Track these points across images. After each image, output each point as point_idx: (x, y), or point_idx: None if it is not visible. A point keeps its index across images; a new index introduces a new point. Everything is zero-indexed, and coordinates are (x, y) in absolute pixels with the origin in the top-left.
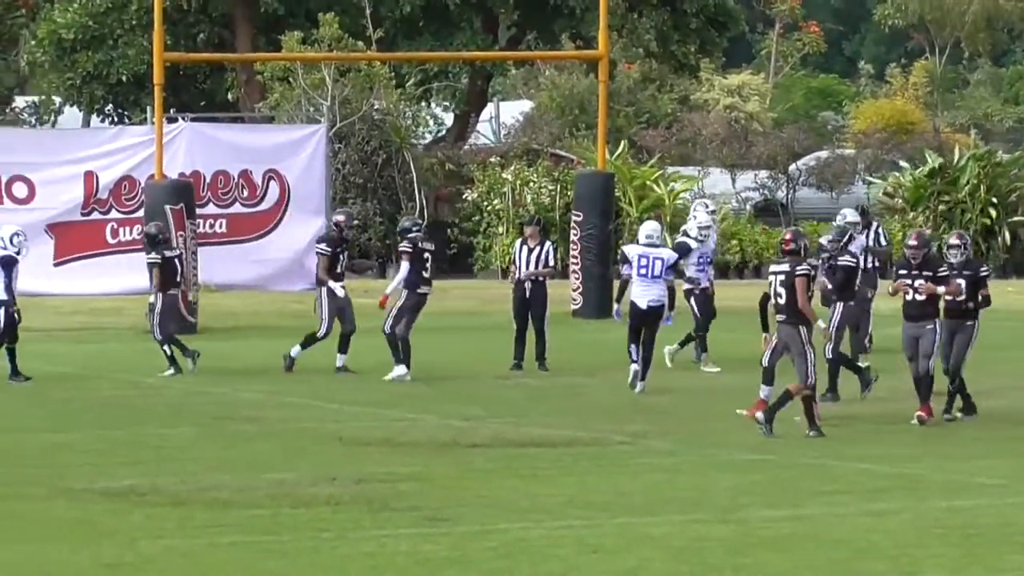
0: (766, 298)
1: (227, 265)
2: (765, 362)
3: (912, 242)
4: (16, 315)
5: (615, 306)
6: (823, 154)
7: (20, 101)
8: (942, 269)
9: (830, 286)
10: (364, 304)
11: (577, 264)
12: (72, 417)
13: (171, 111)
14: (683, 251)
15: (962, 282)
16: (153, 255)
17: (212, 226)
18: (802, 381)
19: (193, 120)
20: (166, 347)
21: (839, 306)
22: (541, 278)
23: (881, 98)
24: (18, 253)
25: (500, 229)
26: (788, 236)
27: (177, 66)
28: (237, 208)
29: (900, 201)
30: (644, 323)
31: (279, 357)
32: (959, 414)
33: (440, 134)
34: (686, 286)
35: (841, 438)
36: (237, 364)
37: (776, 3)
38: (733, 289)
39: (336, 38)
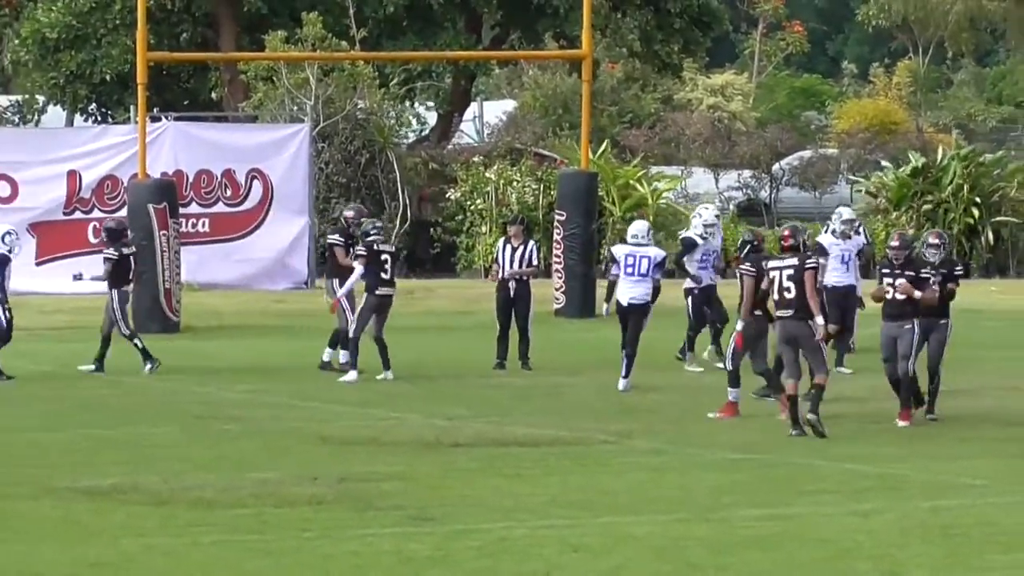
0: (764, 295)
1: (210, 264)
2: (729, 365)
3: (894, 243)
4: (8, 313)
5: (604, 305)
6: (806, 154)
7: (3, 100)
8: (925, 270)
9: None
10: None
11: (560, 263)
12: (55, 416)
13: (154, 110)
14: (689, 246)
15: (937, 288)
16: (111, 251)
17: (195, 225)
18: (822, 371)
19: (176, 119)
20: (136, 341)
21: None
22: (525, 277)
23: (864, 98)
24: (10, 252)
25: (483, 228)
26: (787, 232)
27: (160, 65)
28: (220, 207)
29: (883, 201)
30: (628, 320)
31: (263, 356)
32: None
33: (423, 134)
34: (687, 284)
35: (826, 439)
36: (221, 363)
37: (759, 3)
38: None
39: (320, 38)
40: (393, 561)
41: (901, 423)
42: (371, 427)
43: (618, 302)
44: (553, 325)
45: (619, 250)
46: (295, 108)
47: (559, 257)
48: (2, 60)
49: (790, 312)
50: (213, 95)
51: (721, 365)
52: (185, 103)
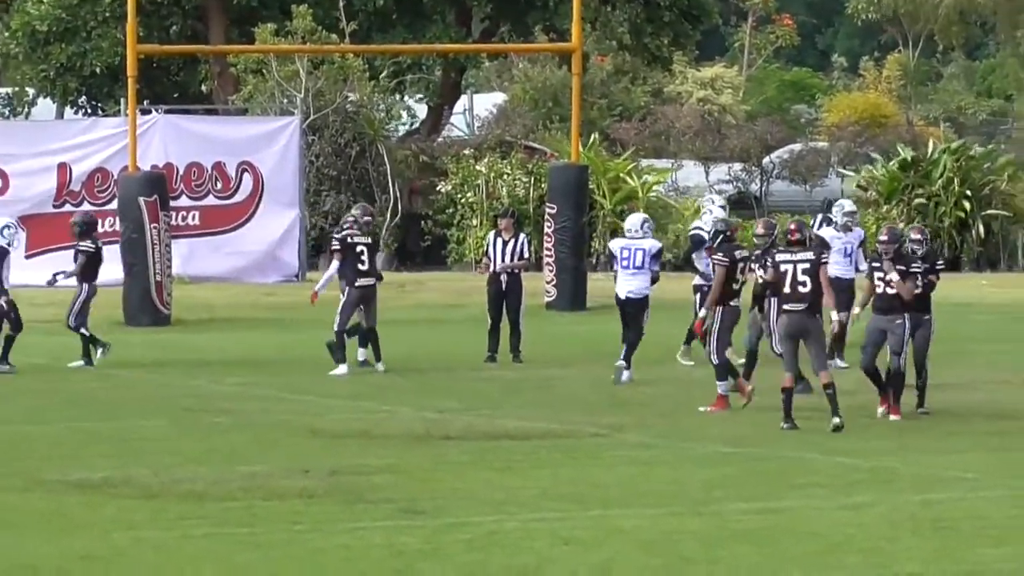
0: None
1: (201, 257)
2: (715, 359)
3: (883, 237)
4: (5, 305)
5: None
6: (796, 147)
7: None
8: (915, 264)
9: (767, 279)
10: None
11: (551, 256)
12: (46, 409)
13: (144, 103)
14: (697, 243)
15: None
16: (87, 244)
17: (185, 218)
18: (825, 368)
19: (166, 112)
20: (83, 330)
21: (774, 300)
22: (516, 270)
23: (854, 91)
24: (9, 245)
25: (474, 221)
26: (793, 227)
27: (150, 58)
28: (210, 200)
29: (874, 194)
30: (626, 313)
31: (253, 349)
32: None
33: (414, 126)
34: (697, 280)
35: (816, 431)
36: (211, 356)
37: None
38: None
39: (309, 30)
40: (384, 554)
41: (893, 417)
42: (362, 420)
43: (616, 296)
44: (544, 318)
45: (615, 244)
46: (285, 101)
47: (550, 250)
48: None
49: (803, 306)
50: (203, 88)
51: (686, 363)
52: (175, 96)
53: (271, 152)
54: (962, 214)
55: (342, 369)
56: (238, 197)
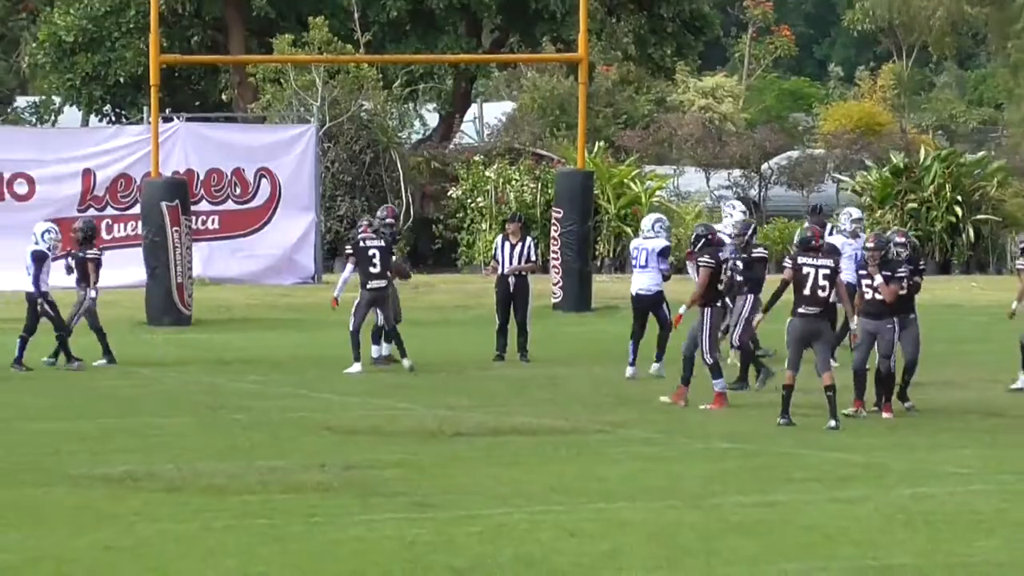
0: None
1: (220, 260)
2: (708, 359)
3: (870, 244)
4: (42, 306)
5: None
6: (794, 154)
7: (21, 101)
8: (901, 270)
9: (739, 278)
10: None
11: (557, 259)
12: (71, 406)
13: (166, 111)
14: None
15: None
16: (95, 251)
17: (205, 222)
18: (829, 369)
19: (188, 120)
20: (66, 337)
21: (750, 298)
22: (524, 273)
23: (850, 100)
24: (50, 249)
25: (484, 225)
26: (814, 232)
27: (172, 68)
28: (230, 205)
29: (868, 199)
30: (639, 311)
31: (271, 348)
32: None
33: (426, 134)
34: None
35: (811, 427)
36: (230, 355)
37: (749, 8)
38: None
39: (326, 41)
40: (396, 545)
41: (885, 415)
42: (375, 417)
43: (630, 292)
44: (551, 319)
45: (632, 243)
46: (302, 109)
47: (556, 253)
48: (20, 62)
49: (818, 310)
50: (223, 96)
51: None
52: (196, 104)
53: (288, 159)
54: (953, 219)
55: (356, 367)
56: (256, 202)
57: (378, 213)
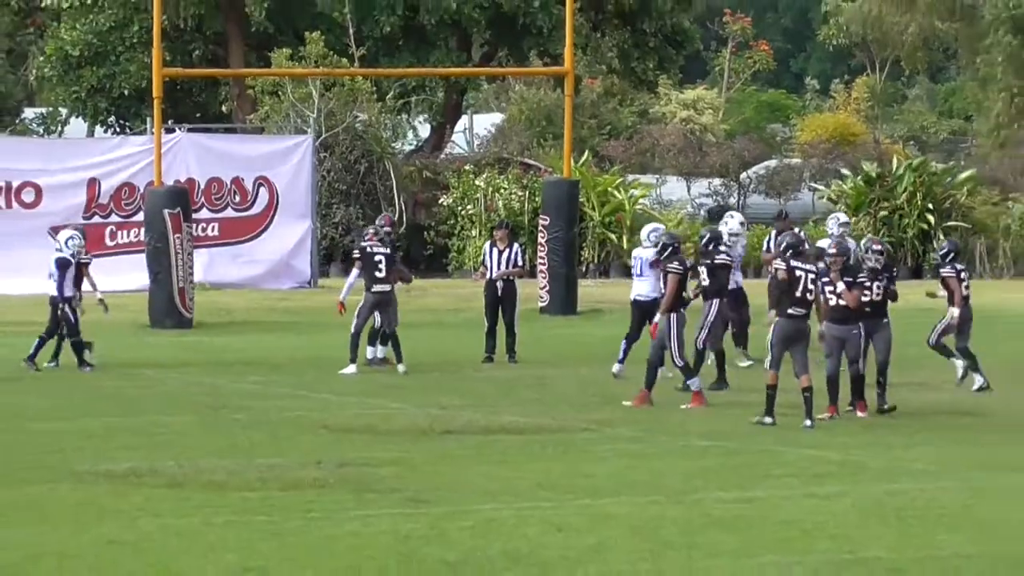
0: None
1: (220, 265)
2: (678, 361)
3: (832, 251)
4: (63, 310)
5: None
6: (772, 163)
7: (29, 112)
8: (861, 276)
9: (705, 284)
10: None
11: (544, 264)
12: (76, 406)
13: (169, 122)
14: None
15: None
16: (88, 256)
17: (206, 229)
18: (807, 371)
19: (189, 131)
20: (43, 340)
21: (714, 303)
22: (511, 277)
23: (825, 112)
24: (74, 256)
25: (473, 232)
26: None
27: (175, 81)
28: (229, 212)
29: (843, 207)
30: (637, 315)
31: (269, 350)
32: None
33: (418, 144)
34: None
35: (788, 426)
36: (231, 357)
37: (729, 23)
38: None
39: (322, 55)
40: (391, 540)
41: (860, 414)
42: (370, 416)
43: (630, 298)
44: (538, 322)
45: (633, 252)
46: (299, 120)
47: (543, 259)
48: (28, 75)
49: (804, 311)
50: (223, 108)
51: (744, 364)
52: (197, 116)
53: (286, 168)
54: (925, 225)
55: (351, 369)
56: (255, 210)
57: (377, 222)
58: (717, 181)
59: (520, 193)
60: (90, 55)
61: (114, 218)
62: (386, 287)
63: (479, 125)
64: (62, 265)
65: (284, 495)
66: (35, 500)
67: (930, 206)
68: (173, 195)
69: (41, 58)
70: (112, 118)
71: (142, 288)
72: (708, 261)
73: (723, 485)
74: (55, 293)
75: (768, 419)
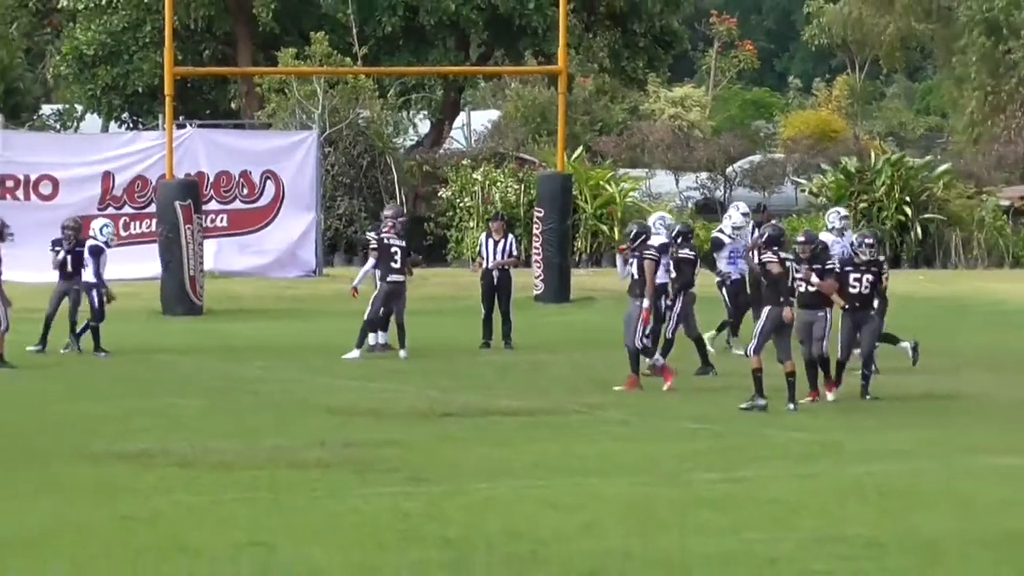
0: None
1: (229, 255)
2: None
3: (801, 239)
4: (107, 296)
5: None
6: (756, 158)
7: (46, 109)
8: (829, 263)
9: (672, 276)
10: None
11: (539, 255)
12: (92, 390)
13: (180, 118)
14: (716, 245)
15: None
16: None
17: (215, 220)
18: (791, 357)
19: (199, 126)
20: (49, 324)
21: (682, 295)
22: (506, 267)
23: (808, 109)
24: (107, 243)
25: (471, 223)
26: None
27: (185, 79)
28: (237, 204)
29: (824, 200)
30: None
31: (276, 336)
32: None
33: (418, 140)
34: (718, 278)
35: (774, 411)
36: (239, 342)
37: (715, 24)
38: None
39: (326, 54)
40: (391, 517)
41: (829, 395)
42: (372, 399)
43: None
44: (533, 309)
45: None
46: (304, 117)
47: (538, 249)
48: (45, 73)
49: (792, 301)
50: (232, 105)
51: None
52: (207, 112)
53: (291, 162)
54: (902, 218)
55: (355, 353)
56: (262, 202)
57: (386, 212)
58: (704, 175)
59: (516, 186)
60: (104, 54)
61: (128, 210)
62: (400, 278)
63: (476, 121)
64: (96, 252)
65: (290, 474)
66: (54, 479)
67: (907, 199)
68: (184, 188)
69: (57, 57)
70: (126, 114)
71: (155, 276)
72: (675, 255)
73: (712, 466)
74: (90, 279)
75: (761, 400)
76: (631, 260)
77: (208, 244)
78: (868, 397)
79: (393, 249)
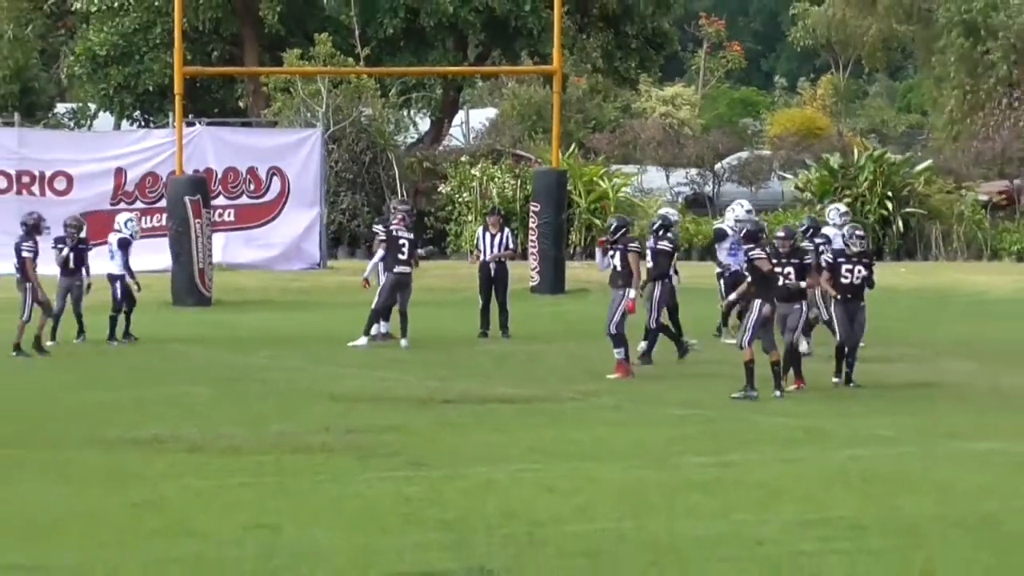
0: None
1: (236, 248)
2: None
3: (780, 234)
4: (135, 286)
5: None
6: (744, 154)
7: (61, 107)
8: (808, 258)
9: (649, 266)
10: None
11: (535, 248)
12: (104, 379)
13: (189, 117)
14: (719, 236)
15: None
16: (90, 244)
17: (223, 215)
18: (775, 347)
19: (208, 124)
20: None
21: (659, 284)
22: (503, 259)
23: (793, 107)
24: (132, 236)
25: (469, 217)
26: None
27: (194, 78)
28: (244, 200)
29: (809, 194)
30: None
31: (282, 326)
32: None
33: (418, 137)
34: (718, 269)
35: (761, 397)
36: (246, 333)
37: (704, 26)
38: None
39: (329, 55)
40: (393, 501)
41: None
42: (374, 386)
43: None
44: (529, 300)
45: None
46: (308, 115)
47: (534, 242)
48: (59, 73)
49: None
50: (239, 104)
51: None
52: (215, 111)
53: (296, 159)
54: (884, 212)
55: (362, 341)
56: (268, 197)
57: (394, 205)
58: (693, 171)
59: (512, 182)
60: (116, 55)
61: (139, 204)
62: (407, 269)
63: (474, 119)
64: (123, 245)
65: (294, 459)
66: (66, 465)
67: (889, 194)
68: (193, 183)
69: (71, 58)
70: (137, 113)
71: (165, 269)
72: (652, 246)
73: (701, 451)
74: (116, 271)
75: (753, 392)
76: (612, 252)
77: (216, 238)
78: (852, 385)
79: (401, 241)
